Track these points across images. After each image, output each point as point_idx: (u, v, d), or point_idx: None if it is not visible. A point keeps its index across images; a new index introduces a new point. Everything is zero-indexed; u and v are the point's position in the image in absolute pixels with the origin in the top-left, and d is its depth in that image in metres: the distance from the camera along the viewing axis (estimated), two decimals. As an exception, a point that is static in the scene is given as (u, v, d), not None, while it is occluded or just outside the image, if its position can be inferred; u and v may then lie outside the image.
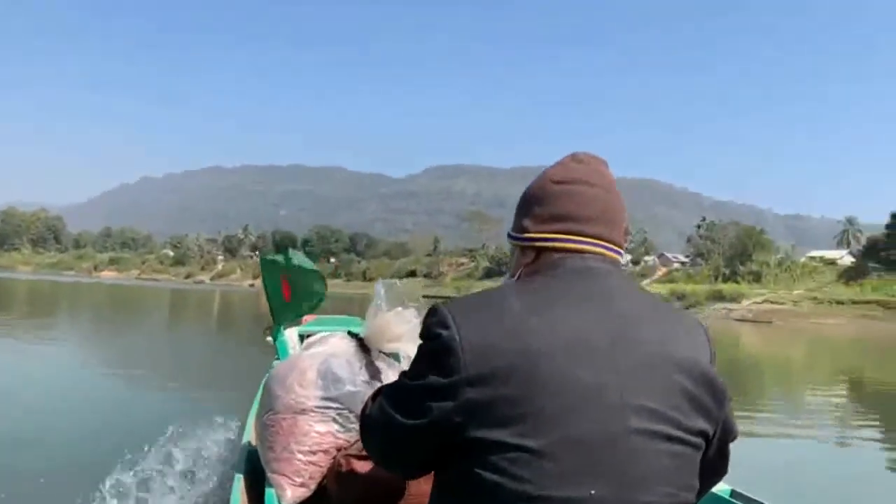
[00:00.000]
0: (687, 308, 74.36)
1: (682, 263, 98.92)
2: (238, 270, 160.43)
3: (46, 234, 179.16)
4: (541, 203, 1.26)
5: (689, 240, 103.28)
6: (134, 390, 9.79)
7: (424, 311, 1.65)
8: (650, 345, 1.13)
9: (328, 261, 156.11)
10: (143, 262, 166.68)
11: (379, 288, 2.41)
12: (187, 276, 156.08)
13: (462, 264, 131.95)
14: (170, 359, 14.75)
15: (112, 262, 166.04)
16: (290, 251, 3.45)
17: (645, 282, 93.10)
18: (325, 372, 2.37)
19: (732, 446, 1.19)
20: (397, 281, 2.46)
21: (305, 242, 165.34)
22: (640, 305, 1.17)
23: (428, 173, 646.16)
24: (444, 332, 1.09)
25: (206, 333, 24.10)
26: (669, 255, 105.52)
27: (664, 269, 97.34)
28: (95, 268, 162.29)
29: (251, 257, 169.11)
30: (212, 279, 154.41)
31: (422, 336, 1.15)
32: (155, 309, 37.36)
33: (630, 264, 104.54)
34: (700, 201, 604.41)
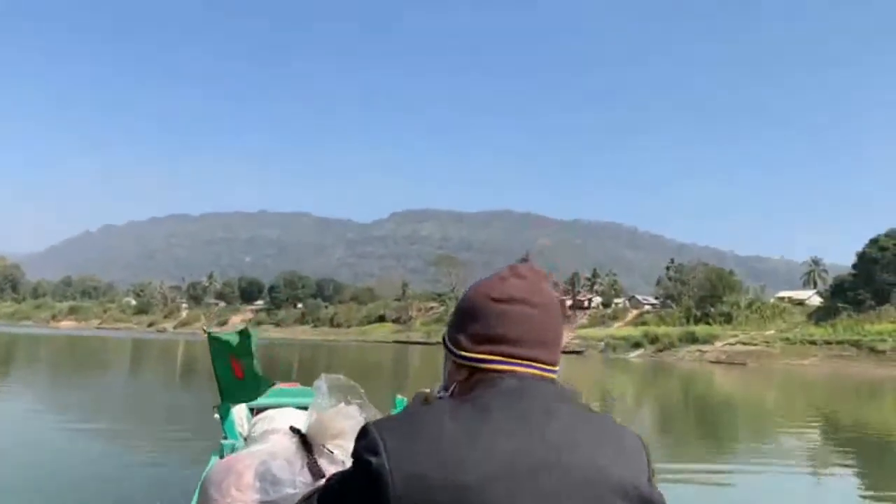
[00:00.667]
0: (661, 350, 74.25)
1: (653, 306, 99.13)
2: (202, 318, 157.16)
3: (3, 283, 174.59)
4: (477, 320, 1.23)
5: (658, 282, 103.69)
6: (74, 473, 8.52)
7: (368, 407, 1.98)
8: (586, 469, 1.11)
9: (295, 307, 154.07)
10: (105, 311, 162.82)
11: (321, 384, 2.34)
12: (150, 325, 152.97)
13: (431, 308, 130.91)
14: (120, 425, 13.51)
15: (72, 311, 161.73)
16: (239, 338, 3.03)
17: (616, 324, 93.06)
18: (264, 473, 2.23)
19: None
20: (341, 376, 2.40)
21: (272, 289, 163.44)
22: (575, 426, 1.15)
23: (394, 218, 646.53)
24: (374, 460, 1.07)
25: (166, 390, 22.61)
26: (640, 298, 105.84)
27: (635, 312, 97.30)
28: (54, 317, 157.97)
29: (216, 305, 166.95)
30: (175, 328, 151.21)
31: (353, 457, 1.14)
32: (113, 364, 35.53)
33: (601, 307, 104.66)
34: (663, 244, 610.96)
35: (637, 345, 76.93)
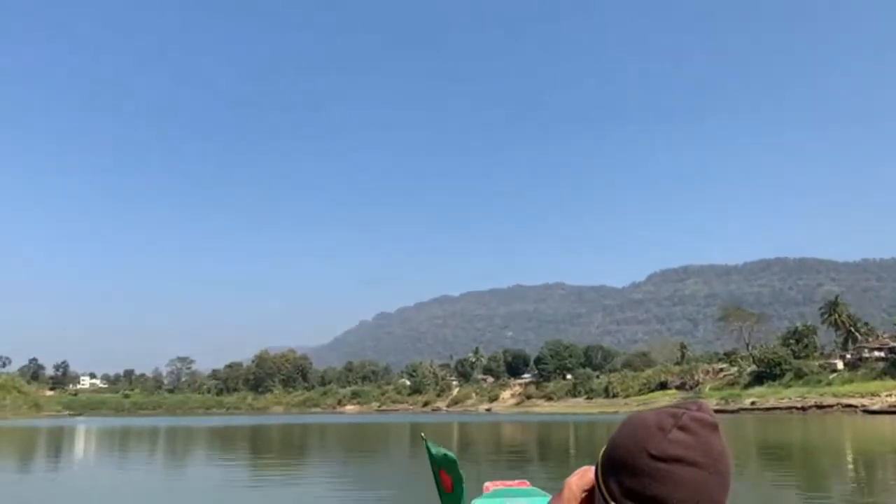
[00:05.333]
0: None
1: None
2: (473, 395, 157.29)
3: (295, 373, 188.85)
4: (631, 474, 1.16)
5: None
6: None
7: None
8: None
9: (564, 377, 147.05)
10: (383, 394, 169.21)
11: None
12: (425, 404, 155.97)
13: (721, 370, 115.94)
14: None
15: (354, 395, 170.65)
16: (437, 449, 3.26)
17: None
18: None
19: None
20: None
21: (538, 360, 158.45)
22: None
23: (652, 279, 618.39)
24: None
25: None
26: None
27: None
28: (339, 402, 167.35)
29: (485, 380, 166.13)
30: (448, 406, 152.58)
31: None
32: (393, 457, 31.78)
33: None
34: None
35: None
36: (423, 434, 3.30)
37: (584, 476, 1.38)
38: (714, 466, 1.14)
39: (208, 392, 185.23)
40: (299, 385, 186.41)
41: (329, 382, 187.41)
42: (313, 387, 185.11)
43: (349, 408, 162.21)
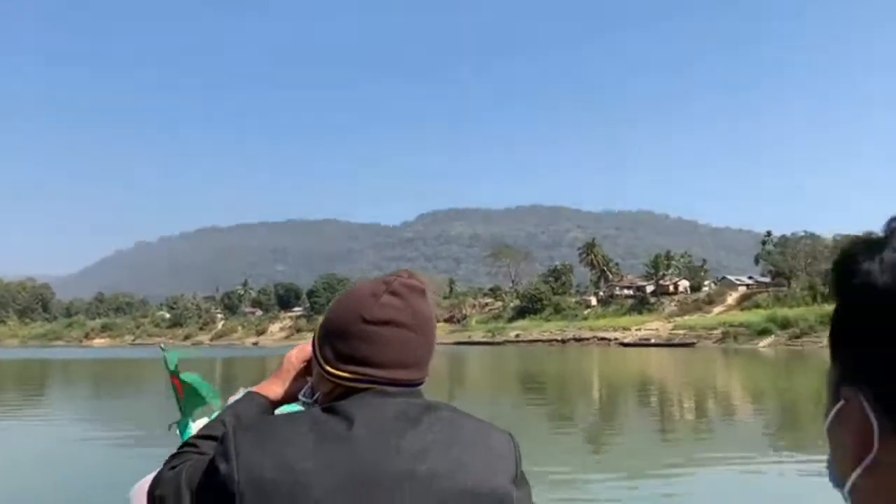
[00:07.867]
0: (797, 337, 63.22)
1: (748, 286, 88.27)
2: (240, 328, 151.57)
3: (33, 303, 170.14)
4: (343, 338, 1.21)
5: (757, 259, 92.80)
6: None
7: None
8: (441, 478, 1.10)
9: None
10: (138, 327, 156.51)
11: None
12: (186, 338, 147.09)
13: (486, 305, 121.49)
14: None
15: (105, 328, 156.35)
16: (175, 364, 3.31)
17: (717, 309, 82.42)
18: None
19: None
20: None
21: (311, 293, 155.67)
22: (435, 434, 1.13)
23: (422, 219, 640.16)
24: (223, 467, 1.07)
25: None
26: (732, 278, 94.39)
27: (736, 294, 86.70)
28: (87, 335, 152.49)
29: (253, 313, 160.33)
30: (212, 340, 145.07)
31: (208, 460, 1.14)
32: (147, 394, 27.55)
33: (688, 290, 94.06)
34: (696, 229, 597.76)
35: (764, 332, 66.36)
36: (161, 346, 3.28)
37: (303, 349, 1.47)
38: (420, 328, 1.21)
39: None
40: (39, 316, 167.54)
41: (76, 314, 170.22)
42: (56, 318, 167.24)
43: (98, 341, 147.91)
